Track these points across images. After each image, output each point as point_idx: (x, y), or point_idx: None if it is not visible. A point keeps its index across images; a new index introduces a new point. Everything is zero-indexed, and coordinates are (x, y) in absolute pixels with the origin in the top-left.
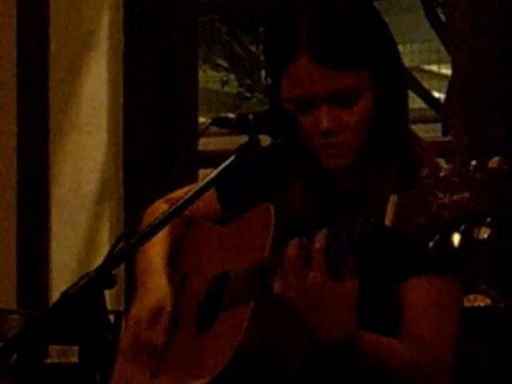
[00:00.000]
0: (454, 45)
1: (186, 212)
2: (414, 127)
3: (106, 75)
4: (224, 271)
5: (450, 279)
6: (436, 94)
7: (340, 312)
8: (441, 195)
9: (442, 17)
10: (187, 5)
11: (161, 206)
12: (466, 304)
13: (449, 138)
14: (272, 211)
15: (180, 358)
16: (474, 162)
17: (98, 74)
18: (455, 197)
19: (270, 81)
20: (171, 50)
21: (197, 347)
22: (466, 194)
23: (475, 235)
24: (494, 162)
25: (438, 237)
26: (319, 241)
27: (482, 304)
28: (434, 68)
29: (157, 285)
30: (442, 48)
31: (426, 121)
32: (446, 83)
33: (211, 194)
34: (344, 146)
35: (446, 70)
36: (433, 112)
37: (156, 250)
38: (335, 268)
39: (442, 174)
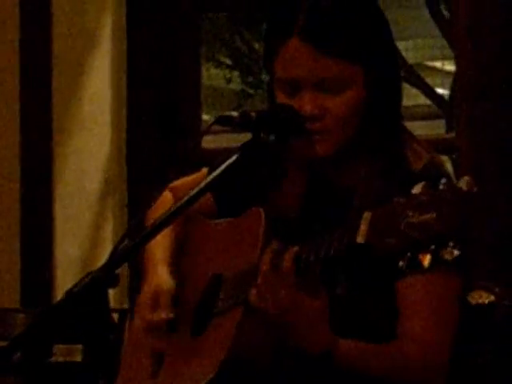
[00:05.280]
0: (457, 41)
1: None
2: (418, 124)
3: (109, 73)
4: (218, 274)
5: (446, 275)
6: (440, 91)
7: (312, 326)
8: (410, 214)
9: (446, 13)
10: (190, 2)
11: (168, 198)
12: (470, 301)
13: (452, 134)
14: (262, 216)
15: (176, 362)
16: (443, 181)
17: (101, 73)
18: (423, 217)
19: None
20: (174, 48)
21: (190, 352)
22: (433, 215)
23: (442, 256)
24: (462, 183)
25: (408, 255)
26: (288, 261)
27: (486, 301)
28: (438, 64)
29: (157, 274)
30: (446, 44)
31: (430, 117)
32: (449, 80)
33: None
34: (328, 132)
35: (450, 67)
36: (436, 108)
37: (158, 245)
38: (305, 282)
39: (414, 192)
